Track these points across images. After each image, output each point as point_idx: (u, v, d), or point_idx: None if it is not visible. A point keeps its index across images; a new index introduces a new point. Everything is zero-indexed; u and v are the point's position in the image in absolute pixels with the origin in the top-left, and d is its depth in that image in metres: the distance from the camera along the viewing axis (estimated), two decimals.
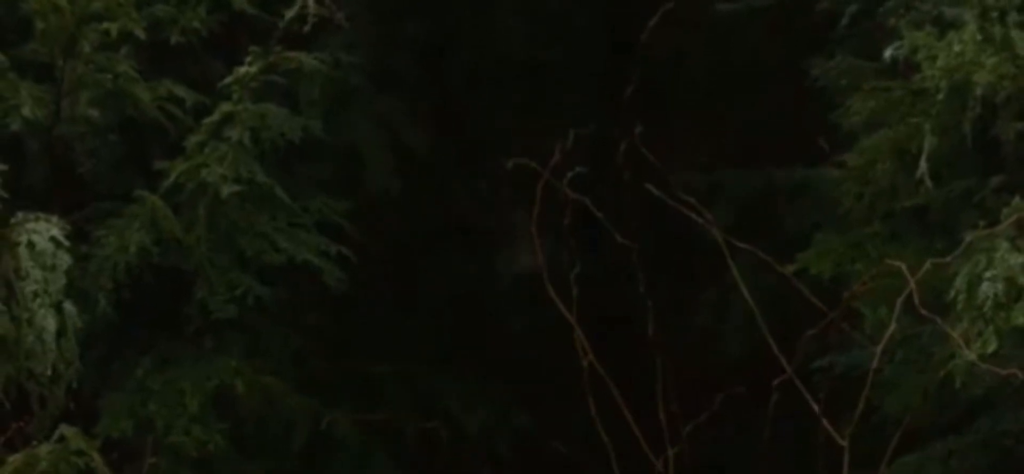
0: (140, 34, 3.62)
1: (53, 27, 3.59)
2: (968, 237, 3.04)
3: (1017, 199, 3.10)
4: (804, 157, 3.52)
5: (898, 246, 3.30)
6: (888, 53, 3.23)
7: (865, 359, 3.27)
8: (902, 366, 3.25)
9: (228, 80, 3.61)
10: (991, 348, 3.00)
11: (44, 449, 3.37)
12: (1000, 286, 3.02)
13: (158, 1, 3.69)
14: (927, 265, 3.03)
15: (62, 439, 3.38)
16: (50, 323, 3.42)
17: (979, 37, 3.10)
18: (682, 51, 3.78)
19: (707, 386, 3.68)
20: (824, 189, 3.45)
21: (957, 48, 3.10)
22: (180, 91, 3.66)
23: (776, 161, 3.55)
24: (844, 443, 3.16)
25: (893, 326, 3.10)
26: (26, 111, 3.53)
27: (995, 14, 3.10)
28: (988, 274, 3.04)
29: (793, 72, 3.50)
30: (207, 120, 3.61)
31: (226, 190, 3.57)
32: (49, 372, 3.44)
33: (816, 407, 3.21)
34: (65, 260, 3.44)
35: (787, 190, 3.53)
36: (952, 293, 3.05)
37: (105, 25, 3.61)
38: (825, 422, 3.22)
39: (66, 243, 3.45)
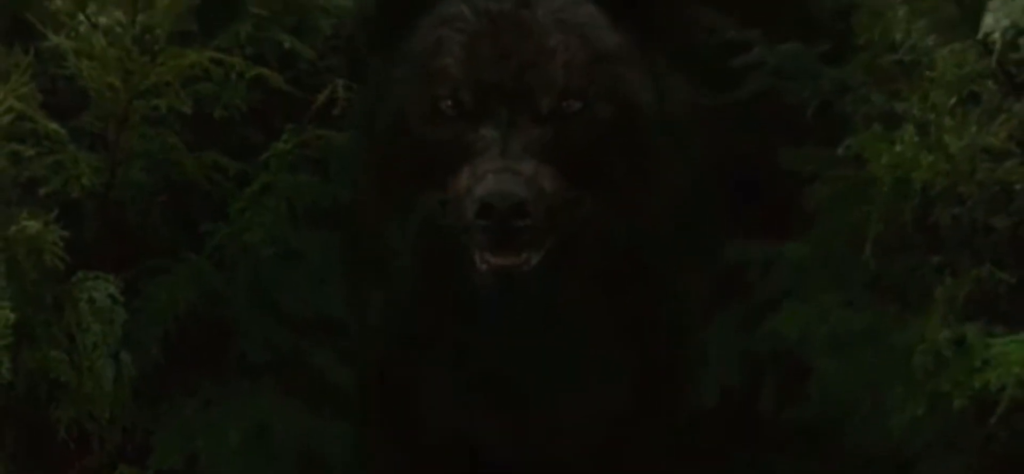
0: (186, 110, 3.77)
1: (108, 102, 3.77)
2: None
3: (949, 280, 3.39)
4: (776, 232, 3.71)
5: (853, 313, 3.53)
6: (841, 150, 3.48)
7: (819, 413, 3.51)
8: (856, 420, 3.52)
9: (266, 155, 3.79)
10: (920, 411, 3.33)
11: None
12: (929, 358, 3.33)
13: (203, 80, 3.82)
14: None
15: None
16: (108, 371, 3.64)
17: (917, 139, 3.37)
18: None
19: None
20: (793, 261, 3.65)
21: (898, 148, 3.35)
22: (223, 161, 3.83)
23: (752, 235, 3.72)
24: None
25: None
26: (85, 180, 3.71)
27: (932, 117, 3.41)
28: (920, 347, 3.34)
29: (767, 158, 3.70)
30: (248, 190, 3.81)
31: (265, 252, 3.80)
32: (107, 415, 3.65)
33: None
34: (121, 314, 3.67)
35: (760, 261, 3.68)
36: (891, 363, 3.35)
37: (155, 101, 3.76)
38: None
39: (121, 299, 3.67)
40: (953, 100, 3.36)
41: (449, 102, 3.26)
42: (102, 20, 3.84)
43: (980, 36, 3.43)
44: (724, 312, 3.70)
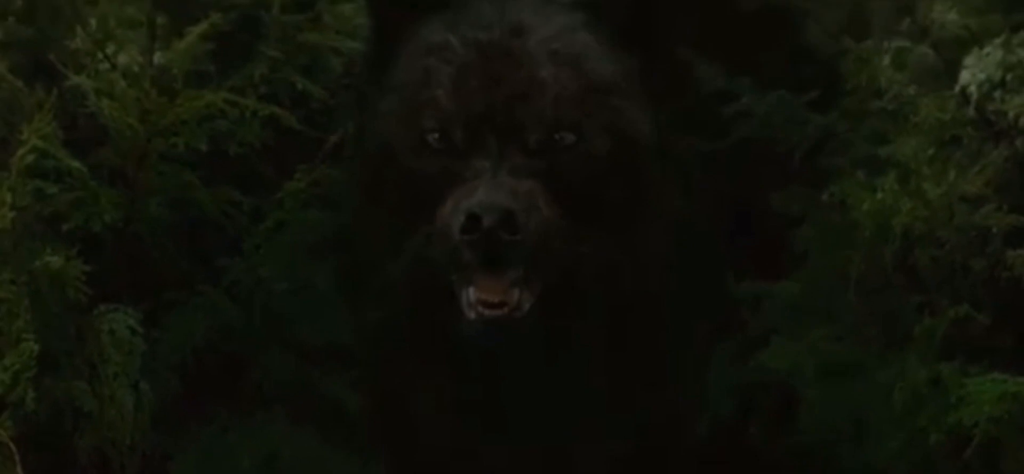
0: (202, 147, 3.86)
1: (127, 140, 3.85)
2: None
3: (928, 319, 3.52)
4: (769, 271, 3.79)
5: (840, 347, 3.65)
6: (825, 196, 3.61)
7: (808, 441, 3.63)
8: (842, 448, 3.63)
9: (280, 193, 3.89)
10: (898, 444, 3.43)
11: None
12: (908, 395, 3.46)
13: (218, 119, 3.89)
14: None
15: None
16: (128, 400, 3.72)
17: (897, 187, 3.50)
18: None
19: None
20: (783, 299, 3.75)
21: (879, 195, 3.48)
22: (237, 196, 3.93)
23: (745, 274, 3.78)
24: None
25: None
26: (106, 216, 3.79)
27: (912, 165, 3.53)
28: (899, 385, 3.47)
29: (759, 200, 3.76)
30: (262, 227, 3.91)
31: (279, 287, 3.90)
32: (128, 442, 3.74)
33: None
34: (141, 345, 3.76)
35: (752, 299, 3.76)
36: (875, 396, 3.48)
37: (172, 139, 3.85)
38: None
39: (141, 330, 3.77)
40: (932, 149, 3.48)
41: (437, 136, 3.15)
42: (121, 60, 3.93)
43: (957, 89, 3.55)
44: (718, 347, 3.80)
